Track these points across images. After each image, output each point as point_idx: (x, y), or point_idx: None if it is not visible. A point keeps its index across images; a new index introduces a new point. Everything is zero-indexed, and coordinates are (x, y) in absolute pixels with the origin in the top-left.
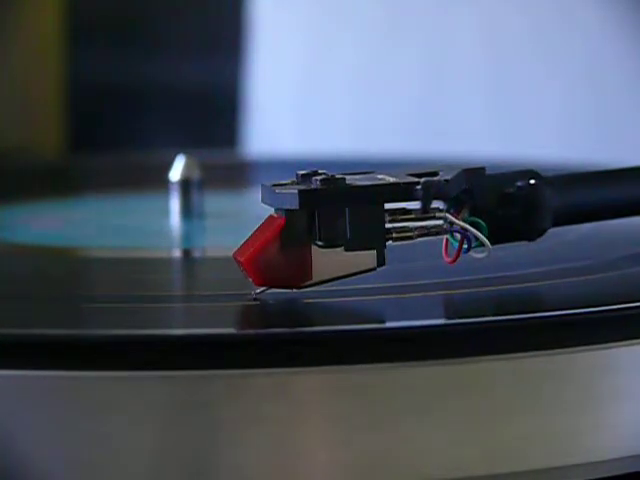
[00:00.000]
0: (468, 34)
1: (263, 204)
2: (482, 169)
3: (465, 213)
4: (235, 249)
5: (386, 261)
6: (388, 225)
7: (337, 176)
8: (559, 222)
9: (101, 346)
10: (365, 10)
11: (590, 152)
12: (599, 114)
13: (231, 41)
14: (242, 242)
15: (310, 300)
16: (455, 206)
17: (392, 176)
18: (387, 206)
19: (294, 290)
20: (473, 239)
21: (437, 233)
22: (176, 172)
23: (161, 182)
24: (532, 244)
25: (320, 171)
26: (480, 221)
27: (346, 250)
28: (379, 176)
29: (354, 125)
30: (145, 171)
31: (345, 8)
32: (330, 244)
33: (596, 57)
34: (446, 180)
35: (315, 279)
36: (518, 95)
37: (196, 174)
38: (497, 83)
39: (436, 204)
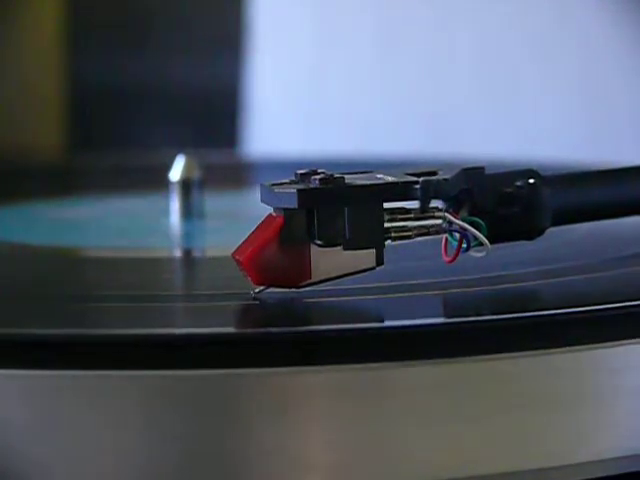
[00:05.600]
0: (467, 34)
1: (262, 203)
2: (481, 169)
3: (464, 212)
4: (235, 248)
5: (384, 260)
6: (387, 224)
7: (336, 175)
8: (558, 221)
9: (101, 345)
10: (366, 11)
11: (589, 152)
12: (598, 114)
13: (231, 41)
14: (241, 241)
15: (309, 299)
16: (454, 205)
17: (391, 175)
18: (386, 205)
19: (293, 289)
20: (472, 238)
21: (436, 232)
22: (176, 172)
23: (161, 182)
24: (531, 243)
25: (319, 170)
26: (479, 220)
27: (345, 249)
28: (378, 175)
29: (354, 125)
30: (145, 171)
31: (345, 9)
32: (329, 243)
33: (595, 57)
34: (445, 179)
35: (314, 278)
36: (517, 96)
37: (196, 174)
38: (497, 84)
39: (435, 203)
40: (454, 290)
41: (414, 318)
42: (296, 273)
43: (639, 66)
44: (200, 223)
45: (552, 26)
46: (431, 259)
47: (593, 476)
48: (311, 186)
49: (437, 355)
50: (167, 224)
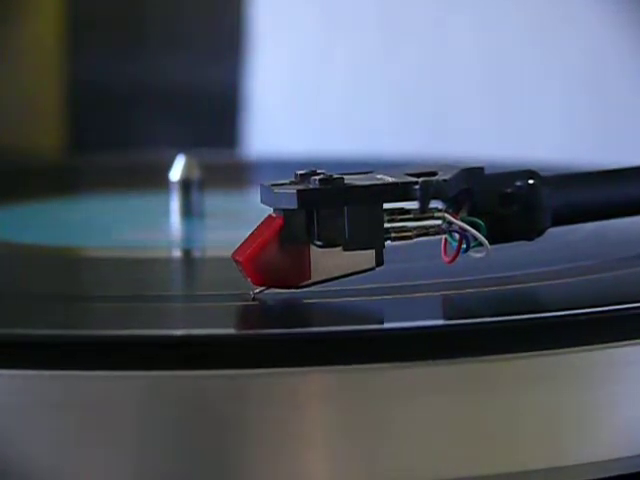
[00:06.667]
0: (467, 34)
1: (262, 204)
2: (481, 169)
3: (464, 213)
4: (234, 249)
5: (384, 261)
6: (387, 225)
7: (335, 176)
8: (558, 222)
9: (100, 346)
10: (363, 10)
11: (590, 152)
12: (599, 114)
13: (231, 41)
14: (241, 242)
15: (309, 300)
16: (454, 206)
17: (391, 176)
18: (386, 206)
19: (293, 290)
20: (472, 239)
21: (436, 233)
22: (176, 172)
23: (161, 182)
24: (531, 244)
25: (319, 171)
26: (479, 221)
27: (345, 250)
28: (378, 176)
29: (354, 126)
30: (145, 171)
31: (343, 8)
32: (329, 244)
33: (596, 56)
34: (445, 180)
35: (314, 279)
36: (518, 95)
37: (196, 174)
38: (497, 83)
39: (435, 204)
40: (454, 291)
41: (414, 319)
42: (296, 274)
43: None
44: (200, 223)
45: (555, 25)
46: (431, 260)
47: (593, 477)
48: (311, 187)
49: (437, 356)
50: (167, 224)
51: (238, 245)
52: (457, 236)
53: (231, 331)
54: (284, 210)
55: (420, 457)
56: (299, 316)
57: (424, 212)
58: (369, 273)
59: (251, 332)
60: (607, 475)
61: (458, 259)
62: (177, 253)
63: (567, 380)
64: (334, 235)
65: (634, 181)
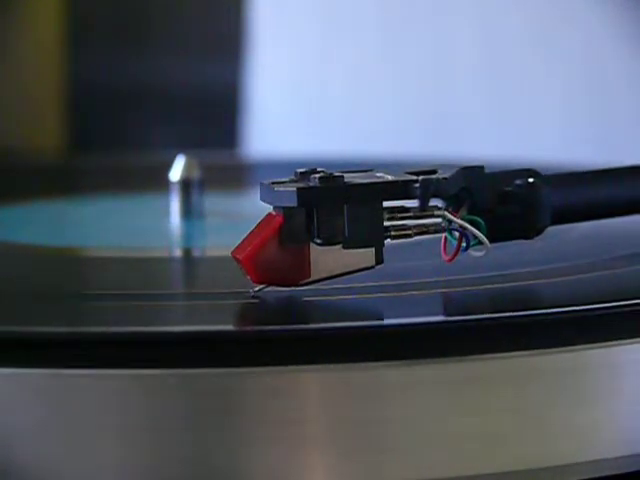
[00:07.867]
0: (467, 34)
1: (262, 202)
2: (481, 167)
3: (464, 211)
4: (234, 247)
5: (384, 259)
6: (386, 223)
7: (335, 174)
8: (557, 221)
9: (101, 344)
10: (364, 10)
11: (590, 152)
12: (599, 114)
13: (231, 41)
14: (241, 240)
15: (309, 298)
16: (454, 204)
17: (390, 174)
18: (385, 204)
19: (292, 288)
20: (471, 237)
21: (435, 231)
22: (176, 172)
23: (161, 182)
24: (530, 242)
25: (319, 169)
26: (479, 219)
27: (344, 248)
28: (377, 174)
29: (353, 126)
30: (145, 171)
31: (343, 8)
32: (328, 242)
33: (596, 57)
34: (444, 178)
35: (313, 277)
36: (518, 95)
37: (196, 174)
38: (497, 83)
39: (435, 202)
40: (453, 289)
41: (414, 317)
42: (295, 272)
43: None
44: (200, 223)
45: (555, 25)
46: (431, 258)
47: (593, 476)
48: (311, 185)
49: (437, 354)
50: (167, 224)
51: (238, 243)
52: (457, 234)
53: (231, 329)
54: (284, 208)
55: (420, 456)
56: (299, 314)
57: (424, 210)
58: (369, 271)
59: (251, 330)
60: (607, 474)
61: (458, 257)
62: (177, 253)
63: (566, 378)
64: (334, 233)
65: (633, 181)
